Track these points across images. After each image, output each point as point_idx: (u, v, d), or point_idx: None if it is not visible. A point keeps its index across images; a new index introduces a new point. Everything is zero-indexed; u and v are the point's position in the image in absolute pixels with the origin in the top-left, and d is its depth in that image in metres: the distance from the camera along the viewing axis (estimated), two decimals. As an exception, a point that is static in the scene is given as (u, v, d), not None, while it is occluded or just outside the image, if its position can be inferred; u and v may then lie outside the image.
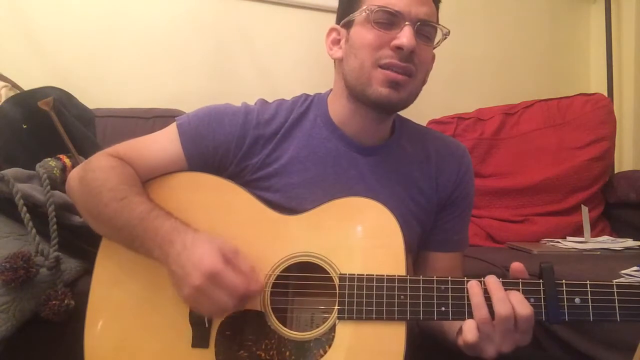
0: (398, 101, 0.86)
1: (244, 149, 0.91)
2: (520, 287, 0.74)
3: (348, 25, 0.89)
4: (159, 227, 0.77)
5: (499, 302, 0.72)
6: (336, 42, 0.92)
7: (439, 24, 0.88)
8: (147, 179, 0.88)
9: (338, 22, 0.93)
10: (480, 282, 0.75)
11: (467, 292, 0.75)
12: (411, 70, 0.84)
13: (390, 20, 0.83)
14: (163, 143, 0.91)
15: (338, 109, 0.93)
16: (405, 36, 0.82)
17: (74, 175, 0.90)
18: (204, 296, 0.72)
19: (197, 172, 0.89)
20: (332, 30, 0.94)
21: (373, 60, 0.84)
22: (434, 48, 0.90)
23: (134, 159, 0.88)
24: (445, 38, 0.89)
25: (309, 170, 0.91)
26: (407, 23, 0.83)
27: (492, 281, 0.74)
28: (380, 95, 0.84)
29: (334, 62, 0.95)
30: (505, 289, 0.73)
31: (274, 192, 0.89)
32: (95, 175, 0.85)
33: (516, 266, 0.76)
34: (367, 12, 0.84)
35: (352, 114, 0.91)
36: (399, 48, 0.82)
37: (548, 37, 2.35)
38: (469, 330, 0.72)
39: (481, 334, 0.72)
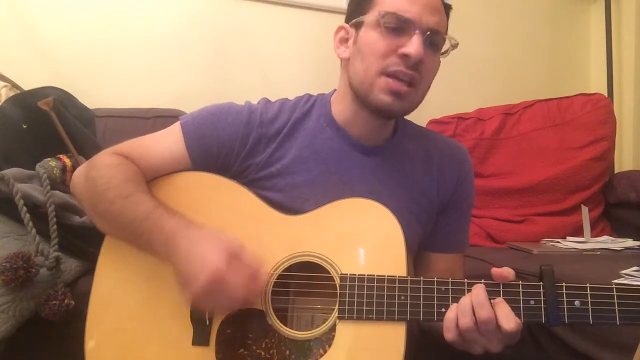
0: (399, 109, 0.86)
1: (248, 148, 0.91)
2: (521, 289, 0.74)
3: (357, 26, 0.88)
4: (163, 225, 0.78)
5: (478, 306, 0.72)
6: (344, 40, 0.92)
7: (448, 35, 0.87)
8: (150, 177, 0.88)
9: (347, 21, 0.92)
10: (485, 284, 0.74)
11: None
12: (416, 78, 0.84)
13: (400, 26, 0.82)
14: (167, 142, 0.91)
15: (342, 109, 0.93)
16: (413, 45, 0.81)
17: (79, 173, 0.90)
18: (206, 299, 0.74)
19: (200, 171, 0.89)
20: (340, 28, 0.92)
21: (379, 67, 0.83)
22: (442, 56, 0.89)
23: (138, 157, 0.88)
24: (454, 48, 0.88)
25: (311, 170, 0.90)
26: (416, 31, 0.82)
27: (477, 287, 0.74)
28: (382, 102, 0.84)
29: (341, 61, 0.94)
30: (491, 298, 0.73)
31: (277, 192, 0.89)
32: (100, 173, 0.85)
33: (496, 272, 0.75)
34: (378, 15, 0.83)
35: (355, 115, 0.91)
36: (406, 56, 0.82)
37: (548, 37, 2.34)
38: (447, 330, 0.73)
39: (464, 338, 0.72)
